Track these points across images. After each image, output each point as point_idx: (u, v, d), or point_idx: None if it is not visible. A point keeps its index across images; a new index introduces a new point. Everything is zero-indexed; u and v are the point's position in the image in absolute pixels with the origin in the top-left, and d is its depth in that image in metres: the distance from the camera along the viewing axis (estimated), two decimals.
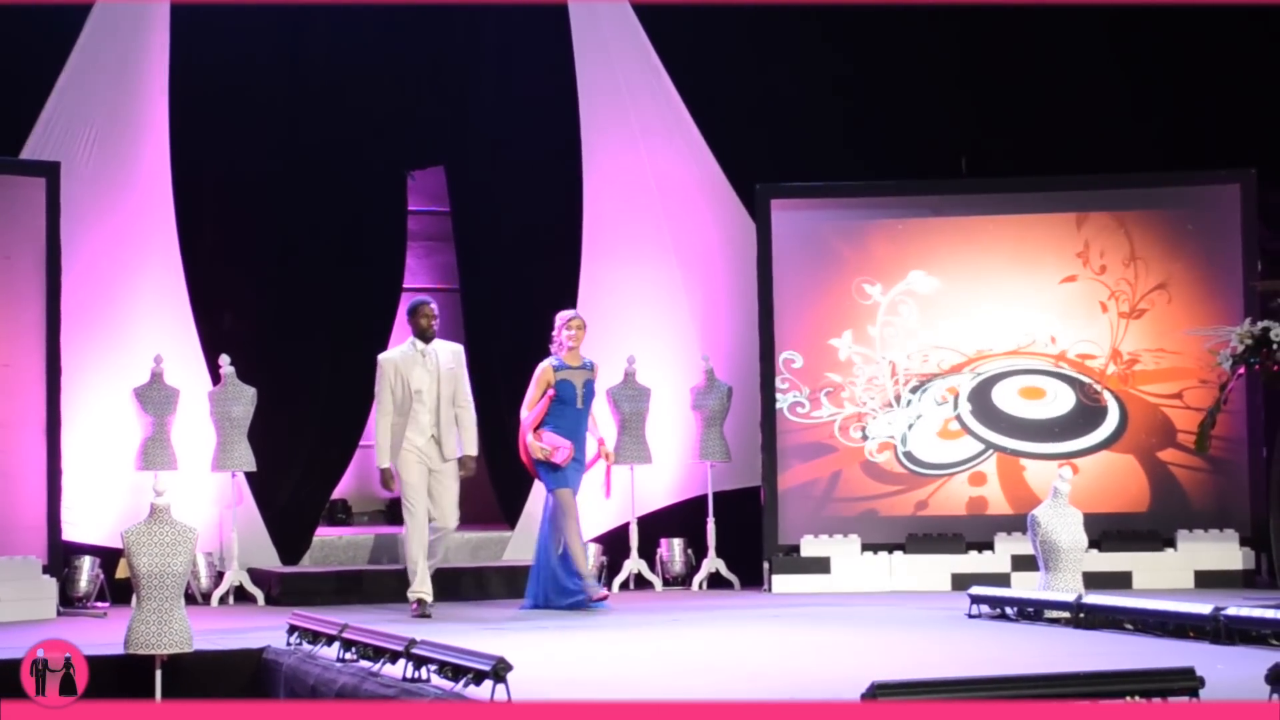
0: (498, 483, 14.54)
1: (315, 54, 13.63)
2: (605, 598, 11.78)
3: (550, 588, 11.76)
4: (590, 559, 13.48)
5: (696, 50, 14.03)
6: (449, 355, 11.87)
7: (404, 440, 11.64)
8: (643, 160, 14.08)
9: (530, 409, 11.96)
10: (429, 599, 11.54)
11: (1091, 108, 13.79)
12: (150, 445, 12.56)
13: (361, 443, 14.38)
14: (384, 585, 12.67)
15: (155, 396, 12.64)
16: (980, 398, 13.22)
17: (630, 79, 14.08)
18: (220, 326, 13.29)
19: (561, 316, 12.02)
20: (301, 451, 13.48)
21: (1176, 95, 13.78)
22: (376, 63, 13.72)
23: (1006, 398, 13.20)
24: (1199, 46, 13.77)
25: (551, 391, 11.88)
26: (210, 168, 13.41)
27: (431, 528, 11.71)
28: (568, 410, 11.89)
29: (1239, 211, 13.05)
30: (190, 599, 11.89)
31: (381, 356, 11.80)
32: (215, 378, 12.89)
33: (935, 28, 13.79)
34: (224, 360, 12.77)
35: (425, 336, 11.76)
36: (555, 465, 11.76)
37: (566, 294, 13.80)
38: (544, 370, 11.93)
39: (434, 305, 11.81)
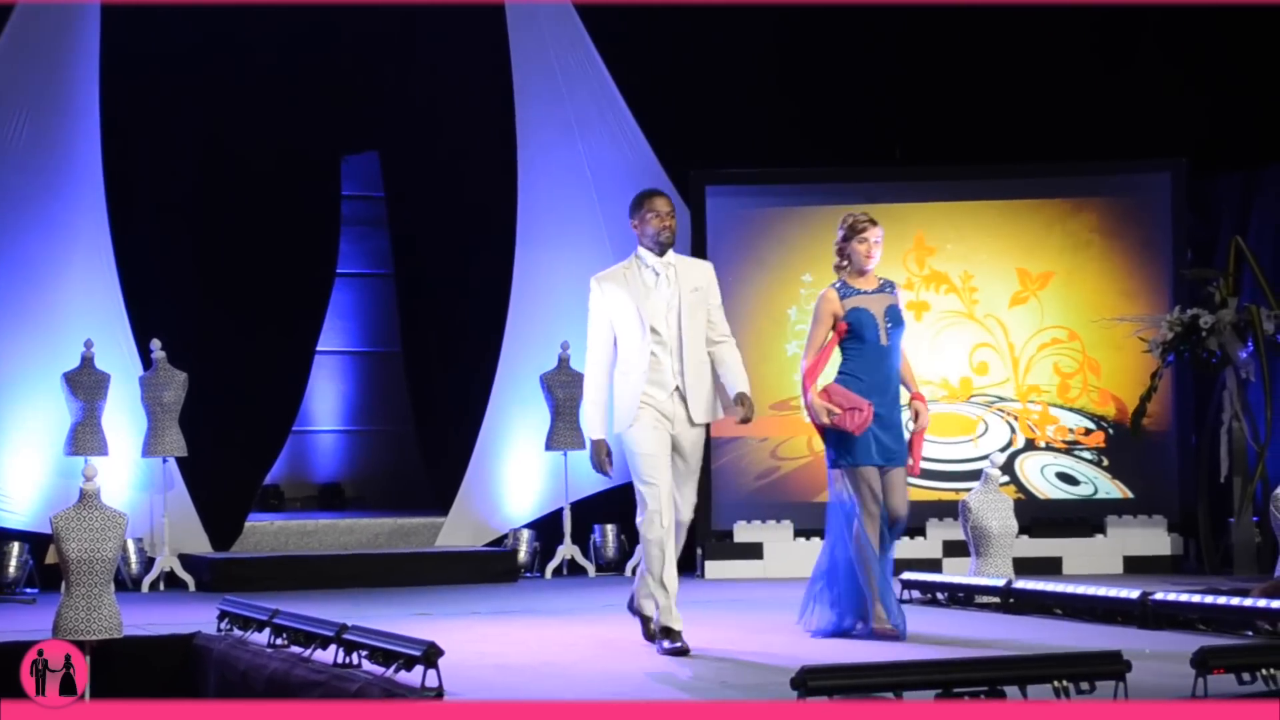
0: (430, 467, 14.52)
1: (249, 39, 13.53)
2: (892, 634, 8.65)
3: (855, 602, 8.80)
4: (523, 544, 13.51)
5: (631, 37, 14.01)
6: (696, 274, 8.56)
7: (634, 396, 8.40)
8: (577, 146, 14.07)
9: (811, 356, 8.84)
10: (679, 627, 8.41)
11: (1025, 96, 13.85)
12: (80, 430, 12.48)
13: (294, 428, 14.36)
14: (316, 571, 12.63)
15: (85, 381, 12.55)
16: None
17: (565, 66, 14.05)
18: (151, 311, 13.18)
19: (846, 220, 8.85)
20: (233, 437, 13.40)
21: (1109, 83, 13.85)
22: (311, 49, 13.62)
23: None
24: (1133, 34, 13.85)
25: (842, 325, 8.78)
26: (141, 153, 13.30)
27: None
28: (867, 351, 8.71)
29: (1169, 200, 13.15)
30: (120, 585, 11.85)
31: (595, 277, 8.59)
32: (146, 362, 12.82)
33: (871, 14, 13.81)
34: (155, 345, 12.69)
35: (659, 245, 8.48)
36: (847, 433, 8.68)
37: (500, 279, 13.82)
38: (826, 299, 8.81)
39: (669, 200, 8.59)
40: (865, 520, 8.61)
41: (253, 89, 13.52)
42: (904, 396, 8.83)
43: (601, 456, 8.45)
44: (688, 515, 8.54)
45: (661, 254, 8.44)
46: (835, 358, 8.86)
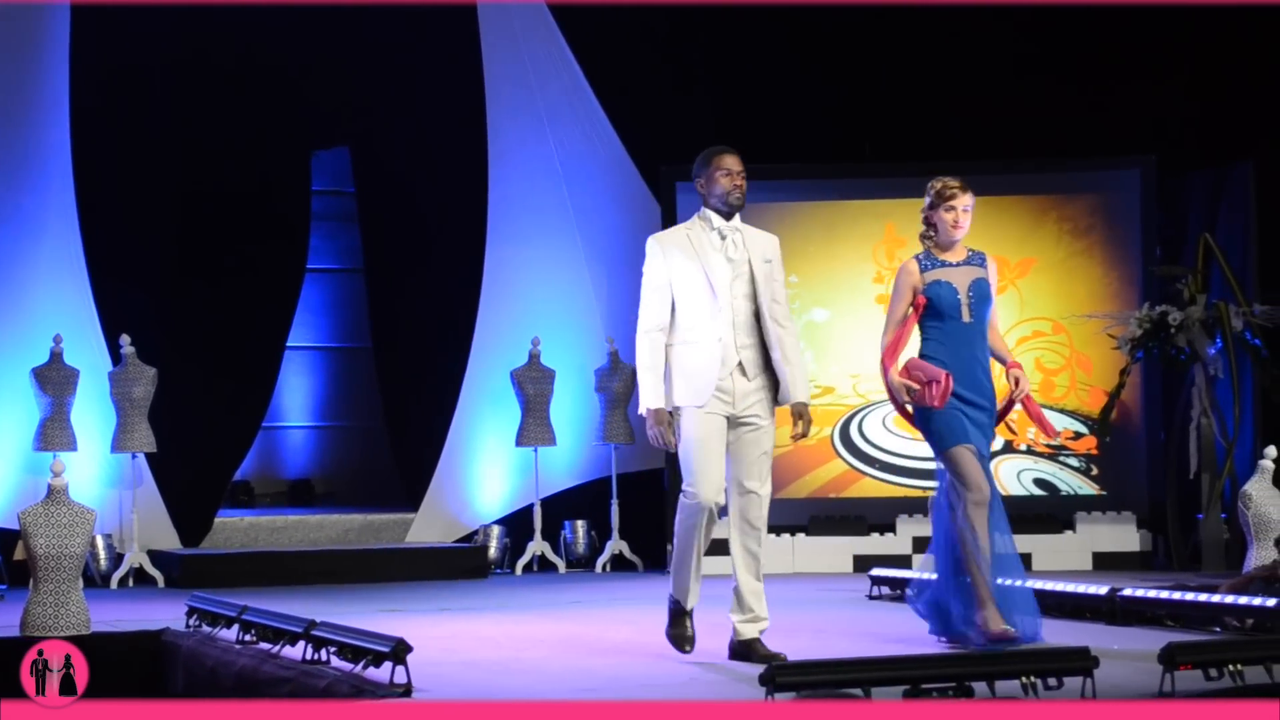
0: (401, 464, 14.51)
1: (218, 35, 13.48)
2: (1007, 636, 7.74)
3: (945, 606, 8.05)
4: (493, 541, 13.50)
5: (603, 33, 14.00)
6: (765, 244, 7.88)
7: (692, 370, 7.71)
8: (548, 142, 14.06)
9: (890, 333, 8.08)
10: (691, 633, 8.00)
11: (994, 93, 13.86)
12: (49, 426, 12.43)
13: (264, 424, 14.33)
14: (285, 568, 12.61)
15: (54, 377, 12.51)
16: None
17: (536, 61, 14.04)
18: (121, 306, 13.13)
19: (934, 185, 8.10)
20: (203, 432, 13.36)
21: (1078, 81, 13.87)
22: (281, 45, 13.58)
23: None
24: (1103, 33, 13.87)
25: (921, 300, 8.05)
26: (111, 149, 13.25)
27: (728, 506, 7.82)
28: (948, 329, 8.00)
29: (1139, 197, 13.18)
30: (89, 581, 11.80)
31: (654, 237, 7.98)
32: (115, 358, 12.78)
33: (842, 12, 13.81)
34: (124, 340, 12.65)
35: (729, 206, 7.85)
36: (930, 408, 7.90)
37: (471, 275, 13.80)
38: (906, 271, 8.09)
39: (740, 159, 7.93)
40: (971, 510, 7.76)
41: (223, 85, 13.49)
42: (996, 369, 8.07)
43: (663, 425, 7.67)
44: (755, 511, 7.81)
45: (729, 216, 7.78)
46: (914, 337, 8.15)
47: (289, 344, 14.23)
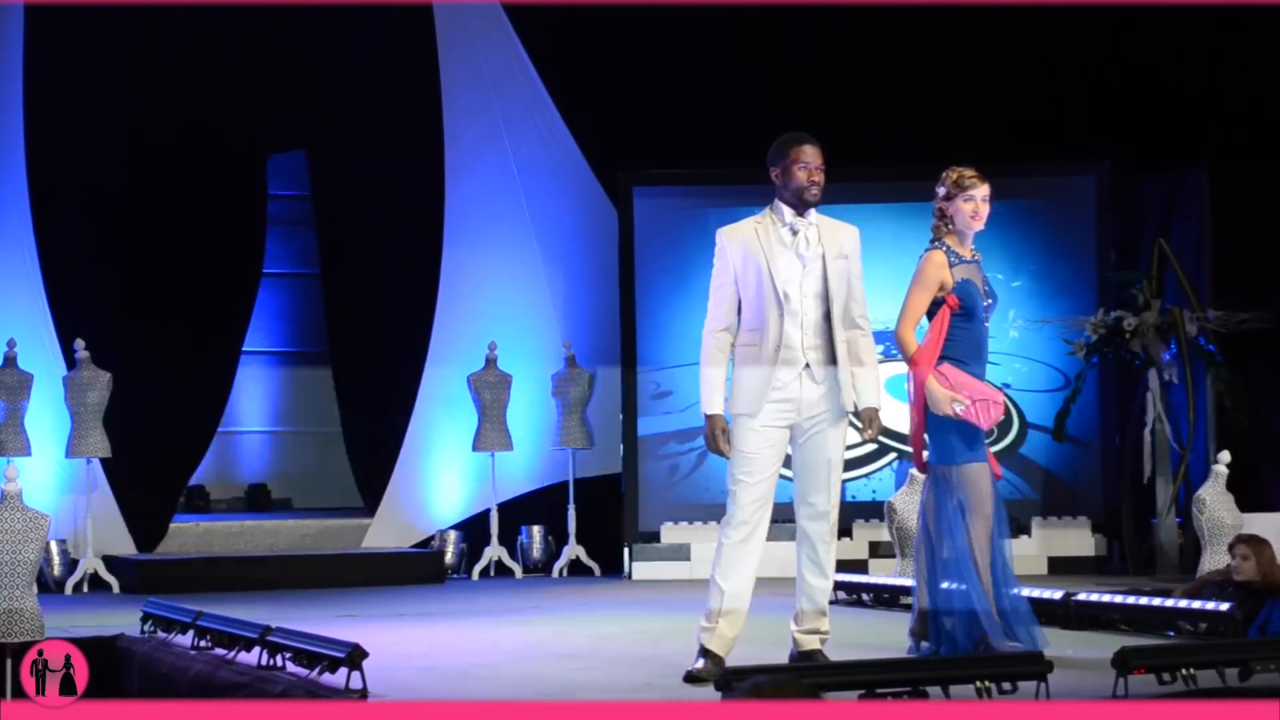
0: (357, 469, 14.48)
1: (174, 38, 13.44)
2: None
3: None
4: (450, 546, 13.49)
5: (559, 38, 14.00)
6: (843, 238, 7.43)
7: (753, 375, 7.24)
8: (505, 146, 14.05)
9: (910, 324, 7.49)
10: (723, 650, 7.30)
11: (949, 97, 13.89)
12: (2, 431, 12.37)
13: (220, 429, 14.28)
14: (241, 573, 12.57)
15: (8, 381, 12.45)
16: None
17: (493, 66, 14.03)
18: (75, 311, 13.09)
19: (949, 174, 7.66)
20: (158, 438, 13.31)
21: (1034, 86, 13.91)
22: (237, 48, 13.55)
23: None
24: (1057, 37, 13.92)
25: (953, 299, 7.47)
26: (65, 153, 13.20)
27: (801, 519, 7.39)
28: (974, 332, 7.50)
29: (1093, 202, 13.23)
30: (44, 587, 11.73)
31: (722, 230, 7.48)
32: (70, 362, 12.72)
33: (795, 15, 13.83)
34: (79, 345, 12.60)
35: (802, 203, 7.37)
36: (971, 426, 7.41)
37: (428, 280, 13.79)
38: (936, 264, 7.52)
39: (820, 150, 7.42)
40: (979, 524, 7.43)
41: (178, 88, 13.43)
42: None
43: (716, 433, 7.23)
44: (817, 527, 7.37)
45: (803, 211, 7.32)
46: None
47: (245, 349, 14.19)
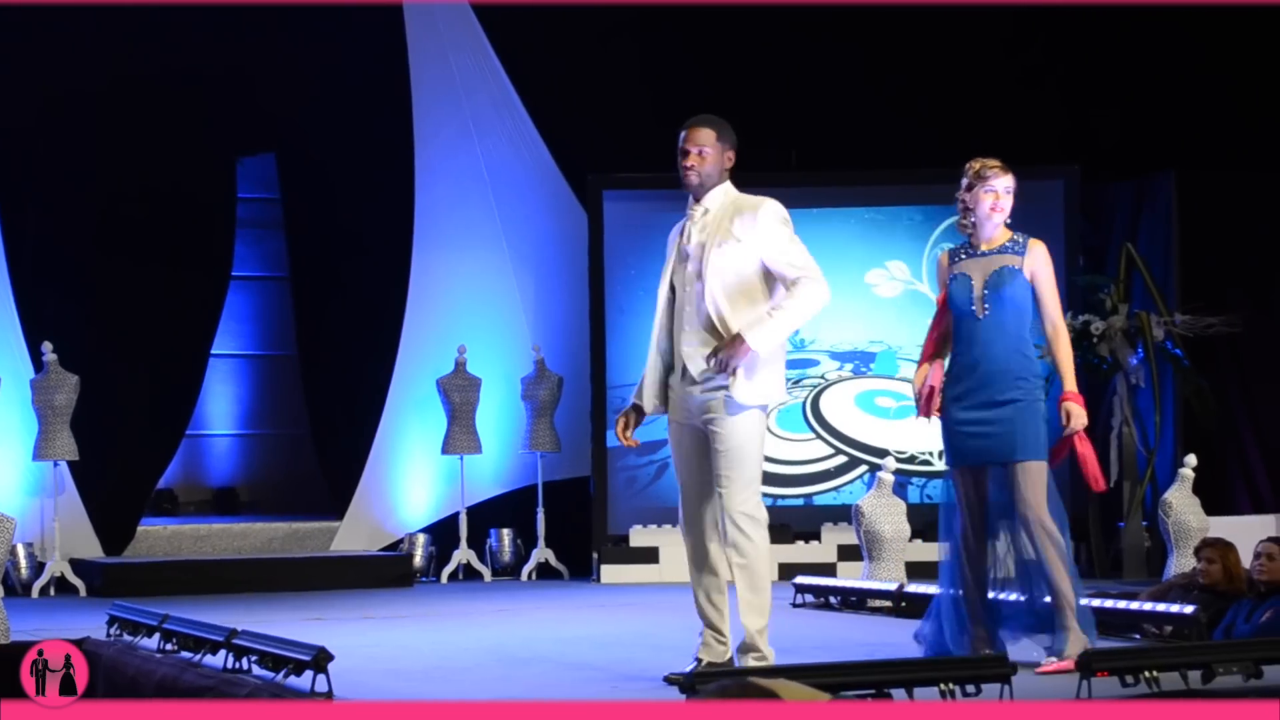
0: (326, 472, 14.46)
1: (144, 40, 13.42)
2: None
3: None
4: (419, 549, 13.47)
5: (529, 39, 14.00)
6: (730, 216, 6.95)
7: (656, 374, 7.10)
8: (475, 150, 14.05)
9: (932, 328, 7.47)
10: (727, 647, 7.27)
11: (920, 102, 13.93)
12: None
13: (188, 431, 14.26)
14: (209, 576, 12.54)
15: None
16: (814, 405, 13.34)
17: (463, 68, 14.03)
18: (43, 313, 13.06)
19: (971, 165, 7.52)
20: (126, 440, 13.29)
21: (1002, 90, 13.95)
22: (206, 50, 13.51)
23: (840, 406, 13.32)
24: (1026, 42, 13.97)
25: (940, 297, 7.46)
26: (32, 154, 13.18)
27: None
28: (961, 326, 7.31)
29: (1061, 207, 13.27)
30: (10, 590, 11.72)
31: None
32: (38, 365, 12.69)
33: (767, 17, 13.85)
34: (46, 347, 12.57)
35: (685, 187, 7.04)
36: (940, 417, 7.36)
37: (397, 282, 13.78)
38: (938, 263, 7.58)
39: (696, 128, 7.02)
40: (963, 526, 7.40)
41: (147, 90, 13.40)
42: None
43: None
44: (725, 526, 7.03)
45: (697, 197, 6.97)
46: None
47: (213, 351, 14.17)
